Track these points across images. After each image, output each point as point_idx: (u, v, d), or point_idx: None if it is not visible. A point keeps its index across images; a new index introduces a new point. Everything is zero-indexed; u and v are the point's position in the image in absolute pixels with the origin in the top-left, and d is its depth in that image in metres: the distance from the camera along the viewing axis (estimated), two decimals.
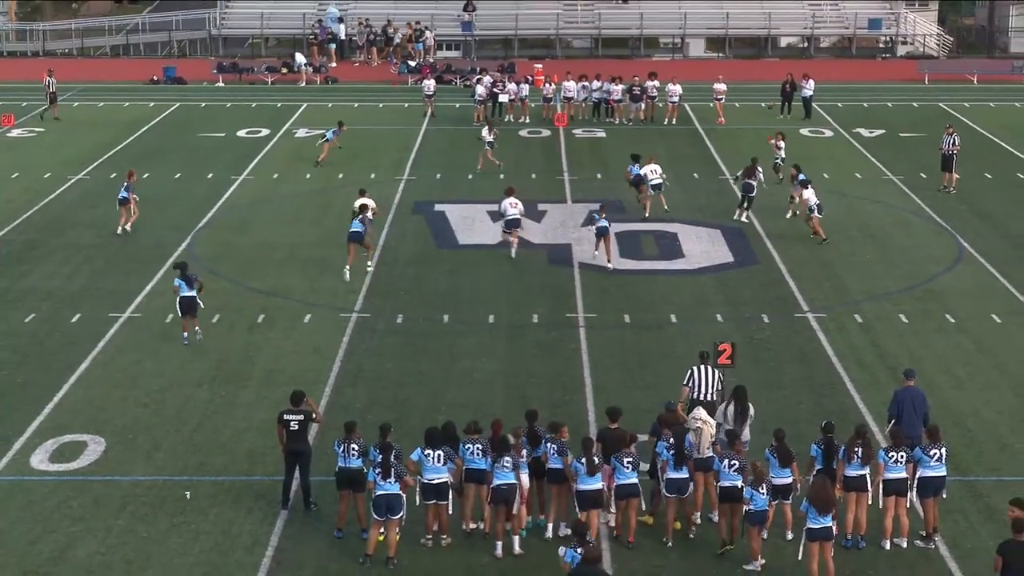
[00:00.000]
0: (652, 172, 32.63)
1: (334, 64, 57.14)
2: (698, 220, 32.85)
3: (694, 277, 28.46)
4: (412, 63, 55.71)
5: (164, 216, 32.95)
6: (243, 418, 20.99)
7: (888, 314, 25.98)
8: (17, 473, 19.14)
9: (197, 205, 34.22)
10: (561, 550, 15.33)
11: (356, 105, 48.56)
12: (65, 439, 20.24)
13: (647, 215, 32.53)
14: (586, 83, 45.89)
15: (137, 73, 55.42)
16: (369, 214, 28.99)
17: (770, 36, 61.99)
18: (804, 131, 43.76)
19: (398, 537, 16.75)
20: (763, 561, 16.50)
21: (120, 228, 31.33)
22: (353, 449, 16.99)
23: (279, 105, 48.51)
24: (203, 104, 49.22)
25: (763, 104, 47.28)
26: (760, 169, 32.86)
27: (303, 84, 53.65)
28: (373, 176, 37.35)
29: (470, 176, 37.04)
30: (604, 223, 28.76)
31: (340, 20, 59.78)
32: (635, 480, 16.99)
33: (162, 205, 33.88)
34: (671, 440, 17.13)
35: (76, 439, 20.22)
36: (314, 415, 18.33)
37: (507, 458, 16.74)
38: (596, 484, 16.71)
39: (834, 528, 15.96)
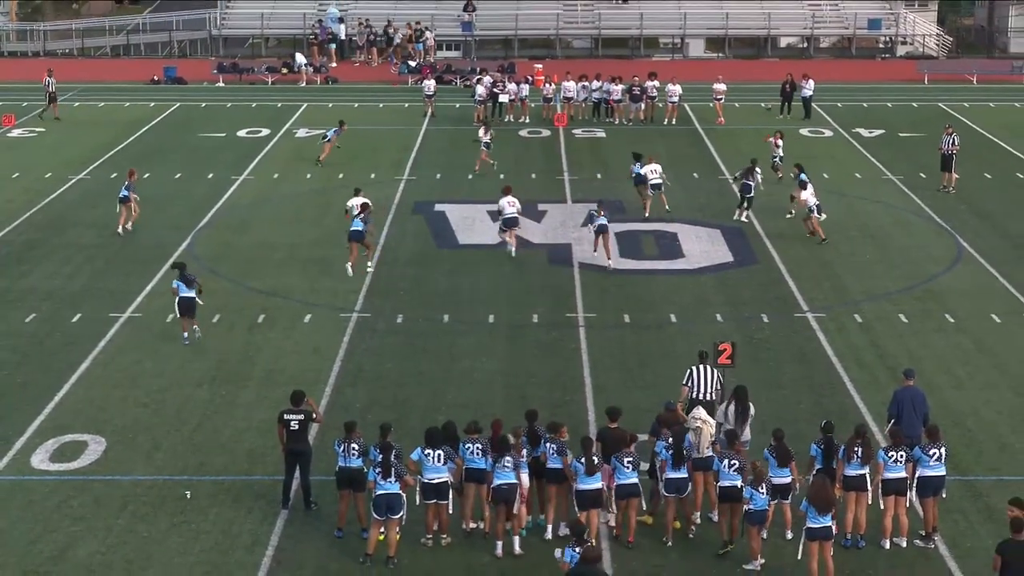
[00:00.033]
0: (652, 172, 32.66)
1: (334, 64, 57.17)
2: (698, 220, 32.87)
3: (694, 277, 28.49)
4: (412, 63, 55.73)
5: (164, 216, 32.98)
6: (243, 418, 21.01)
7: (888, 314, 26.00)
8: (18, 473, 19.17)
9: (197, 205, 34.25)
10: (557, 553, 15.37)
11: (356, 105, 48.59)
12: (66, 439, 20.27)
13: (647, 215, 32.56)
14: (586, 83, 45.92)
15: (138, 73, 55.45)
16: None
17: (770, 36, 62.01)
18: (804, 131, 43.79)
19: (398, 537, 16.77)
20: (763, 560, 16.52)
21: (120, 227, 31.37)
22: (353, 449, 17.01)
23: (279, 105, 48.53)
24: (203, 104, 49.25)
25: (762, 104, 47.31)
26: (759, 170, 32.88)
27: (303, 84, 53.68)
28: (373, 176, 37.39)
29: (470, 176, 37.07)
30: (603, 221, 28.82)
31: (340, 20, 59.82)
32: (635, 480, 17.01)
33: (162, 205, 33.91)
34: (670, 440, 17.15)
35: (76, 439, 20.25)
36: (314, 415, 18.35)
37: (508, 458, 16.76)
38: (595, 484, 16.73)
39: (834, 527, 15.97)
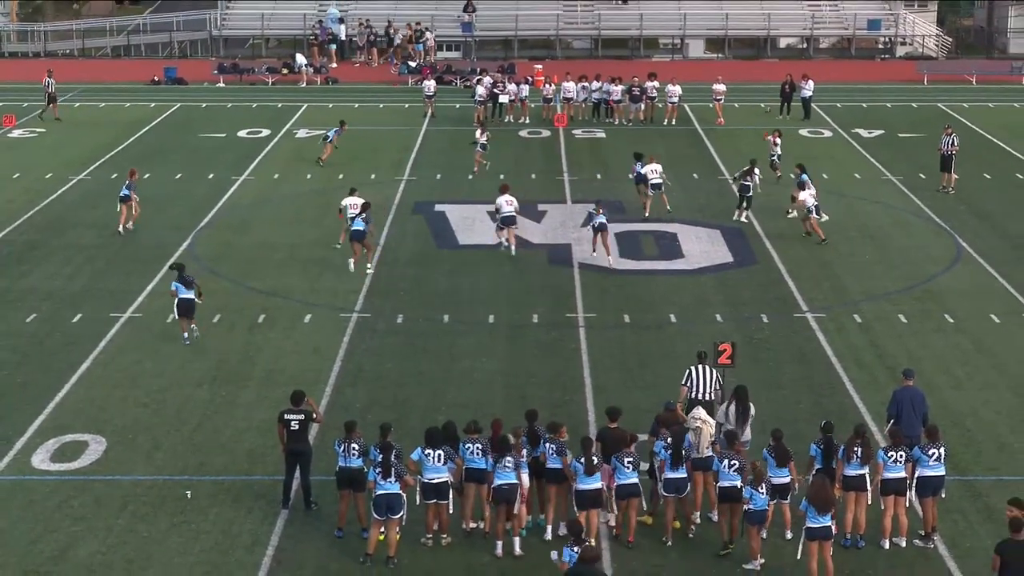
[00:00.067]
0: (652, 172, 32.71)
1: (334, 65, 57.20)
2: (697, 220, 32.90)
3: (694, 277, 28.52)
4: (412, 64, 55.76)
5: (165, 216, 33.02)
6: (243, 418, 21.04)
7: (887, 314, 26.03)
8: (18, 473, 19.19)
9: (198, 205, 34.28)
10: (553, 555, 15.40)
11: (356, 106, 48.62)
12: (66, 439, 20.29)
13: (647, 214, 32.60)
14: (586, 84, 45.95)
15: (138, 74, 55.48)
16: (357, 212, 29.20)
17: (769, 37, 62.03)
18: (803, 132, 43.83)
19: (398, 536, 16.79)
20: (762, 560, 16.55)
21: (121, 227, 31.44)
22: (353, 449, 17.03)
23: (280, 106, 48.57)
24: (204, 105, 49.29)
25: (762, 105, 47.35)
26: (757, 171, 32.92)
27: (304, 85, 53.71)
28: (373, 176, 37.43)
29: (470, 176, 37.10)
30: (602, 219, 28.88)
31: (340, 21, 59.84)
32: (636, 480, 17.03)
33: (163, 205, 33.95)
34: (668, 440, 17.18)
35: (77, 439, 20.28)
36: (314, 415, 18.37)
37: (509, 458, 16.77)
38: (595, 484, 16.75)
39: (833, 527, 15.99)
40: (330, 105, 48.60)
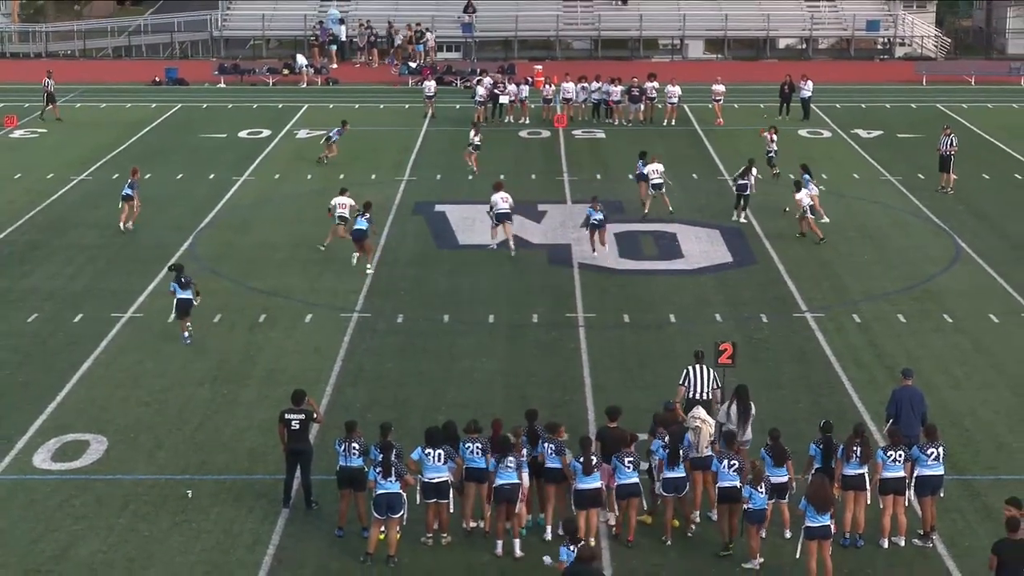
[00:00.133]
0: (654, 172, 32.81)
1: (335, 65, 57.25)
2: (697, 220, 32.96)
3: (693, 277, 28.58)
4: (413, 64, 55.82)
5: (166, 216, 33.08)
6: (244, 417, 21.09)
7: (886, 314, 26.09)
8: (20, 472, 19.24)
9: (199, 205, 34.35)
10: (546, 559, 15.44)
11: (357, 106, 48.68)
12: (67, 438, 20.35)
13: (646, 212, 32.68)
14: (585, 84, 46.01)
15: (139, 74, 55.54)
16: (347, 212, 29.29)
17: (769, 37, 62.07)
18: (803, 132, 43.89)
19: (399, 536, 16.84)
20: (762, 559, 16.59)
21: (122, 225, 31.55)
22: (354, 448, 17.08)
23: (280, 106, 48.64)
24: (205, 105, 49.35)
25: (761, 106, 47.39)
26: (755, 170, 32.98)
27: (304, 85, 53.77)
28: (374, 177, 37.50)
29: (470, 177, 37.15)
30: (599, 215, 28.99)
31: (341, 22, 59.88)
32: (636, 480, 17.07)
33: (164, 205, 34.01)
34: (666, 439, 17.24)
35: (78, 438, 20.33)
36: (315, 415, 18.42)
37: (511, 458, 16.82)
38: (594, 483, 16.79)
39: (832, 527, 16.03)
40: (331, 106, 48.67)
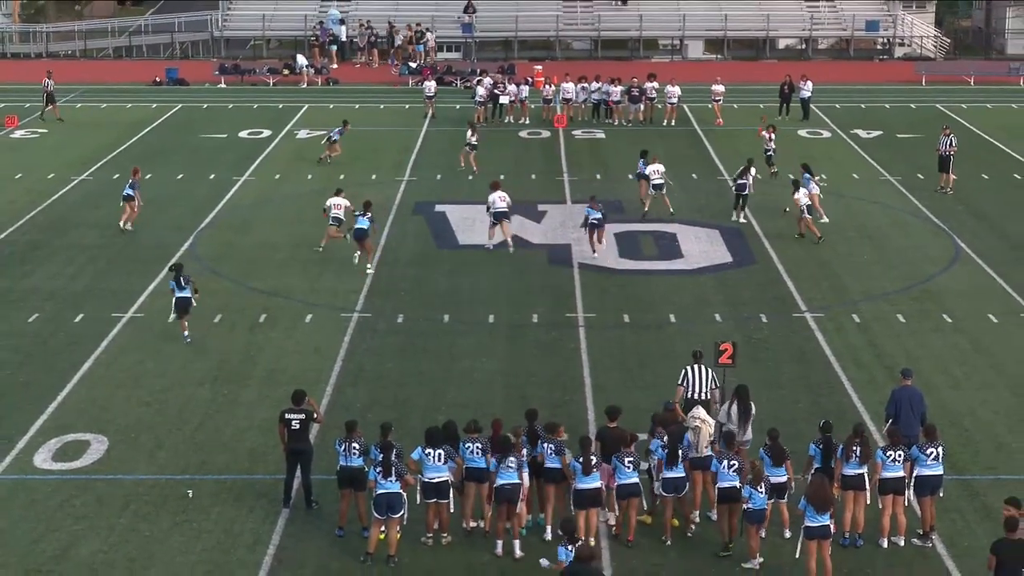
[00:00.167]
0: (655, 173, 32.87)
1: (335, 65, 57.29)
2: (697, 220, 33.00)
3: (693, 277, 28.61)
4: (413, 65, 55.85)
5: (166, 216, 33.11)
6: (245, 417, 21.12)
7: (885, 314, 26.12)
8: (20, 472, 19.27)
9: (199, 205, 34.38)
10: (543, 562, 15.44)
11: (357, 106, 48.71)
12: (68, 438, 20.38)
13: (646, 210, 32.74)
14: (585, 84, 46.04)
15: (139, 75, 55.59)
16: (341, 213, 29.34)
17: (768, 38, 62.12)
18: (802, 132, 43.93)
19: (399, 535, 16.87)
20: (761, 559, 16.62)
21: (122, 224, 31.62)
22: (354, 448, 17.11)
23: (280, 106, 48.67)
24: (205, 105, 49.38)
25: (760, 106, 47.42)
26: (754, 170, 33.03)
27: (305, 85, 53.81)
28: (374, 177, 37.54)
29: (470, 177, 37.18)
30: (598, 214, 29.05)
31: (341, 22, 59.93)
32: (636, 480, 17.09)
33: (164, 205, 34.04)
34: (664, 438, 17.27)
35: (79, 438, 20.36)
36: (315, 415, 18.45)
37: (512, 458, 16.85)
38: (593, 483, 16.82)
39: (832, 526, 16.06)
40: (331, 106, 48.71)
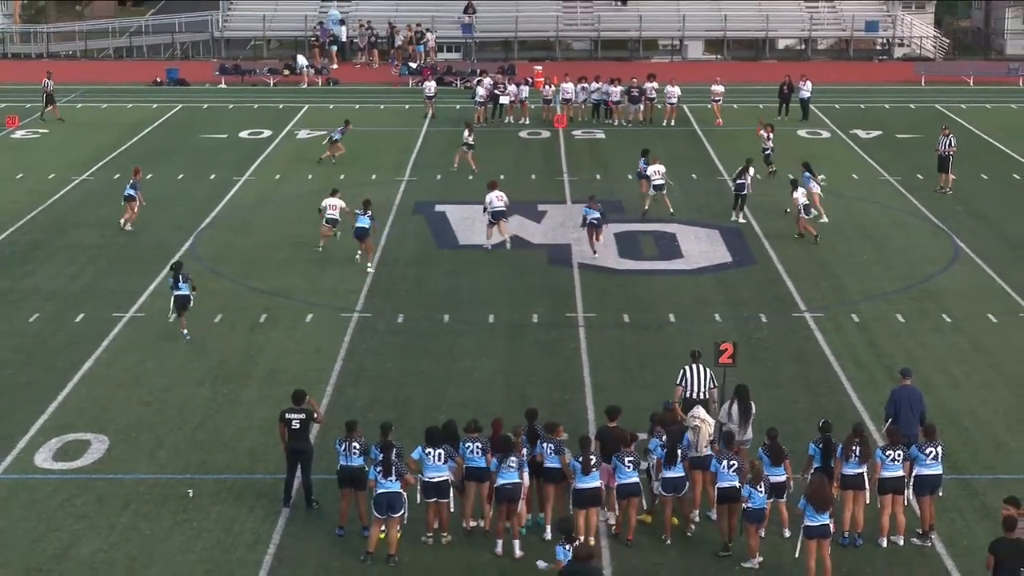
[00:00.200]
0: (656, 173, 32.91)
1: (335, 66, 57.32)
2: (696, 220, 33.03)
3: (693, 277, 28.64)
4: (413, 65, 55.88)
5: (166, 216, 33.14)
6: (245, 417, 21.16)
7: (885, 314, 26.15)
8: (21, 471, 19.30)
9: (199, 206, 34.42)
10: (540, 564, 15.44)
11: (357, 107, 48.73)
12: (69, 438, 20.41)
13: (647, 208, 32.78)
14: (585, 85, 46.08)
15: (140, 75, 55.62)
16: (336, 214, 29.39)
17: (768, 38, 62.16)
18: (802, 132, 43.96)
19: (399, 535, 16.90)
20: (761, 559, 16.65)
21: (122, 223, 31.67)
22: (354, 448, 17.14)
23: (281, 107, 48.71)
24: (205, 105, 49.42)
25: (760, 107, 47.46)
26: (752, 171, 33.07)
27: (305, 86, 53.84)
28: (374, 177, 37.58)
29: (470, 177, 37.20)
30: (596, 214, 29.08)
31: (341, 22, 59.96)
32: (636, 479, 17.11)
33: (164, 206, 34.06)
34: (663, 438, 17.30)
35: (80, 438, 20.39)
36: (315, 415, 18.47)
37: (513, 458, 16.87)
38: (593, 483, 16.84)
39: (831, 526, 16.09)
40: (331, 106, 48.74)
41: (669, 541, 17.22)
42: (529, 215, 33.09)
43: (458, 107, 47.89)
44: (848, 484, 17.05)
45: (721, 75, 47.55)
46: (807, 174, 32.25)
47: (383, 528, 16.78)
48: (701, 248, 30.71)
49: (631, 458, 17.10)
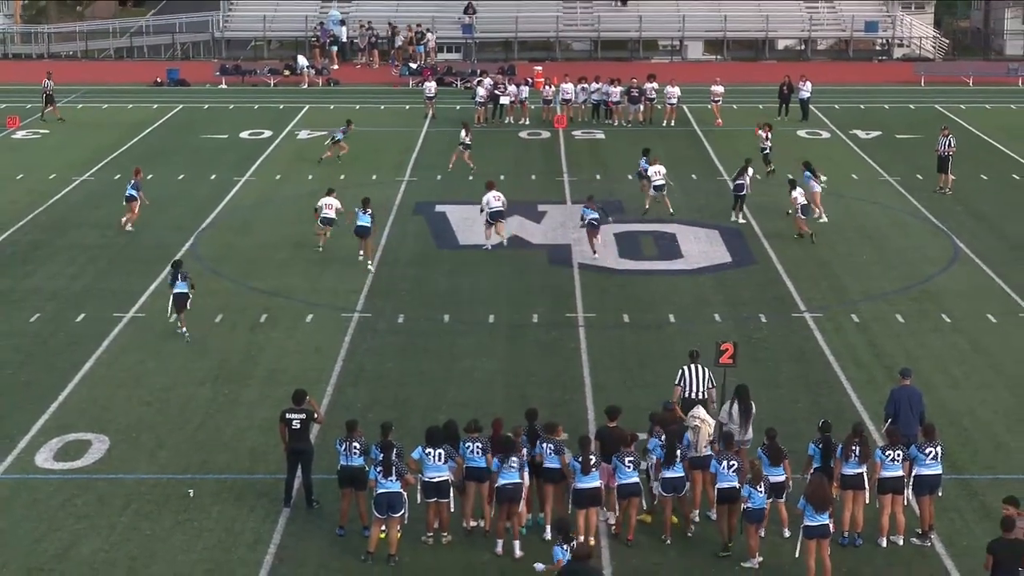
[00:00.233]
0: (656, 174, 32.94)
1: (336, 66, 57.35)
2: (696, 221, 33.06)
3: (693, 277, 28.67)
4: (413, 65, 55.91)
5: (167, 217, 33.17)
6: (245, 417, 21.18)
7: (884, 314, 26.17)
8: (22, 471, 19.33)
9: (200, 206, 34.44)
10: (538, 566, 15.47)
11: (358, 107, 48.76)
12: (69, 438, 20.43)
13: (647, 207, 32.81)
14: (585, 85, 46.10)
15: (141, 75, 55.65)
16: (332, 213, 29.44)
17: (768, 38, 62.18)
18: (801, 133, 43.99)
19: (399, 535, 16.92)
20: (761, 559, 16.67)
21: (123, 221, 31.71)
22: (355, 448, 17.16)
23: (281, 107, 48.74)
24: (206, 106, 49.44)
25: (760, 107, 47.49)
26: (751, 171, 33.10)
27: (305, 86, 53.87)
28: (375, 177, 37.61)
29: (470, 177, 37.22)
30: (594, 215, 29.11)
31: (342, 23, 59.99)
32: (636, 479, 17.13)
33: (165, 206, 34.08)
34: (662, 438, 17.32)
35: (80, 438, 20.42)
36: (316, 415, 18.50)
37: (514, 458, 16.90)
38: (592, 483, 16.86)
39: (831, 526, 16.11)
40: (331, 106, 48.77)
41: (669, 541, 17.25)
42: (529, 215, 33.12)
43: (458, 107, 47.92)
44: (848, 484, 17.07)
45: (721, 75, 47.57)
46: (807, 173, 32.29)
47: (383, 528, 16.81)
48: (701, 248, 30.74)
49: (631, 458, 17.12)
